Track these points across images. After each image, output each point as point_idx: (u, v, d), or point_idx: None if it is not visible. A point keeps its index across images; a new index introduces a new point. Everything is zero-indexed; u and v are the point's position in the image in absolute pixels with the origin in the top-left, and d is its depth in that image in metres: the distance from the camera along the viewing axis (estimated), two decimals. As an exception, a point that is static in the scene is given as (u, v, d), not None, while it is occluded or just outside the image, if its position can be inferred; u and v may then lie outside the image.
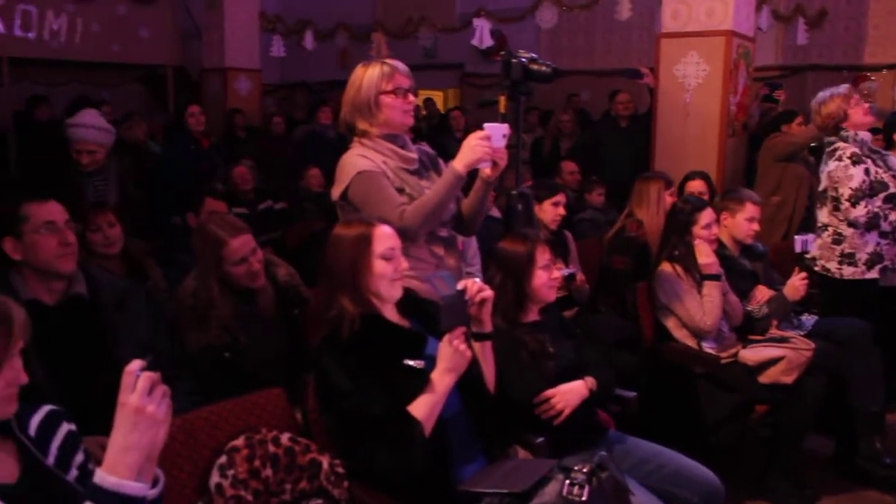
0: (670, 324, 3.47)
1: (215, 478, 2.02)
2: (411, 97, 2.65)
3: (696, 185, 4.90)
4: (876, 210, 3.97)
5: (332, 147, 7.04)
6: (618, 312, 3.72)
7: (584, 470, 1.99)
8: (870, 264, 4.05)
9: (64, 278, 2.34)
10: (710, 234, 3.49)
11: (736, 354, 3.42)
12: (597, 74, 9.29)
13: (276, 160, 7.17)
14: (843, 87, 4.25)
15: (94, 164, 4.20)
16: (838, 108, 4.14)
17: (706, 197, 5.52)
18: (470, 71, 10.82)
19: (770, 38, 8.19)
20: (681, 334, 3.45)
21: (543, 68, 2.82)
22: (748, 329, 3.59)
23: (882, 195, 3.99)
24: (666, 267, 3.47)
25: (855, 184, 3.96)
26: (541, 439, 2.43)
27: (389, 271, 2.18)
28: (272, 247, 4.16)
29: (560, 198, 3.94)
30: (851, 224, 4.02)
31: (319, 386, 2.17)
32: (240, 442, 2.09)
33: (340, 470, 2.12)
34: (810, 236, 3.82)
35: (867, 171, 3.99)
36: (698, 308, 3.40)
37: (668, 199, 4.10)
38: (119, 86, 11.08)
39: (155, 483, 1.48)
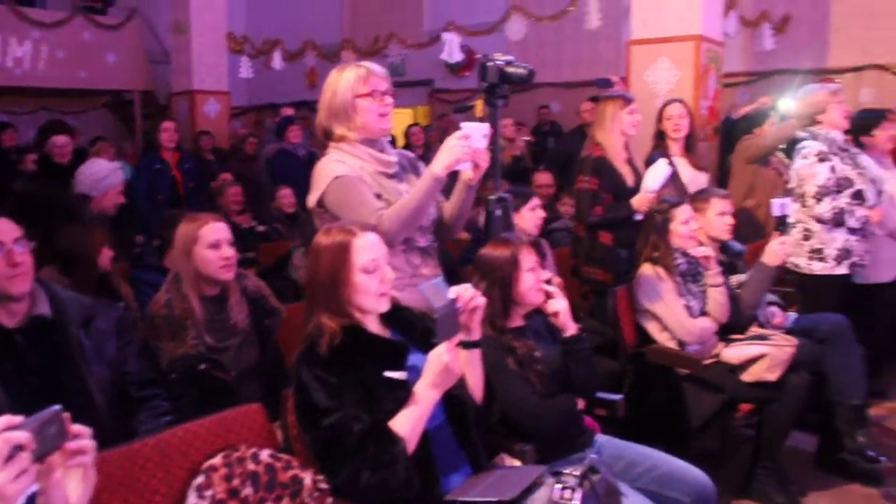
0: (651, 327, 3.44)
1: (192, 499, 1.95)
2: (389, 99, 2.61)
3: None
4: (842, 206, 4.07)
5: (303, 165, 7.02)
6: (597, 319, 3.70)
7: (576, 473, 1.95)
8: (839, 259, 4.12)
9: (18, 300, 2.25)
10: (689, 231, 3.47)
11: (718, 354, 3.40)
12: (566, 86, 9.35)
13: (250, 181, 7.11)
14: (834, 85, 4.38)
15: None
16: (822, 101, 4.24)
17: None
18: (440, 87, 10.83)
19: (738, 43, 8.27)
20: (663, 337, 3.42)
21: (520, 70, 2.79)
22: (730, 329, 3.57)
23: (848, 192, 4.08)
24: (646, 269, 3.44)
25: (820, 181, 4.08)
26: (528, 446, 2.38)
27: (373, 285, 2.08)
28: (248, 267, 4.12)
29: (536, 202, 3.91)
30: (819, 220, 4.08)
31: (298, 401, 2.09)
32: (217, 461, 2.01)
33: (324, 486, 2.05)
34: (788, 199, 3.82)
35: (832, 169, 4.09)
36: (682, 311, 3.38)
37: (627, 119, 4.05)
38: (86, 112, 10.98)
39: None
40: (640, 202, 3.75)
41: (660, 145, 4.49)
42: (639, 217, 3.77)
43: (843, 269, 4.12)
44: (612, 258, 3.91)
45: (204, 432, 2.09)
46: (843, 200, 4.07)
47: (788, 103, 5.11)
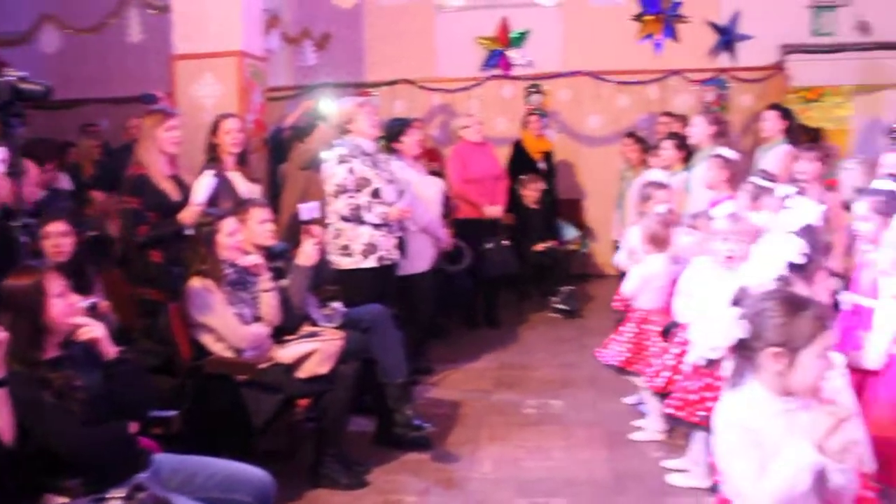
0: (206, 339, 3.49)
1: None
2: None
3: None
4: (359, 203, 4.52)
5: None
6: (153, 338, 3.64)
7: (120, 495, 1.93)
8: (365, 254, 4.57)
9: None
10: (235, 242, 3.59)
11: (273, 356, 3.57)
12: (115, 102, 8.93)
13: None
14: (362, 98, 4.84)
15: None
16: (350, 112, 4.70)
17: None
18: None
19: (283, 59, 8.65)
20: (218, 348, 3.50)
21: (35, 87, 2.66)
22: (284, 330, 3.76)
23: (367, 190, 4.56)
24: (195, 282, 3.47)
25: (337, 180, 4.55)
26: (75, 481, 2.29)
27: None
28: None
29: (60, 227, 3.67)
30: (344, 218, 4.50)
31: None
32: None
33: None
34: (315, 204, 4.14)
35: (351, 170, 4.55)
36: (233, 319, 3.48)
37: (165, 135, 4.04)
38: None
39: None
40: (188, 216, 3.78)
41: (214, 159, 4.55)
42: (189, 232, 3.79)
43: (370, 263, 4.57)
44: (164, 276, 3.87)
45: None
46: (362, 198, 4.53)
47: (330, 107, 5.53)
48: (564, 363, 5.57)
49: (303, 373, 3.48)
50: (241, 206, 3.88)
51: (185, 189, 4.01)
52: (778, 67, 8.30)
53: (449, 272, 5.96)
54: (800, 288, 2.55)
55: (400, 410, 3.93)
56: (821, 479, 1.81)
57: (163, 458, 2.64)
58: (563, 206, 8.10)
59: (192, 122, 5.53)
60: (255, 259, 3.63)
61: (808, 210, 3.25)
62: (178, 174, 4.12)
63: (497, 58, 8.92)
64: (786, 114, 5.84)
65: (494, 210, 6.34)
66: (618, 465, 3.88)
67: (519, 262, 6.59)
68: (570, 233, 7.96)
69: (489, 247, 6.23)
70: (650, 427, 4.17)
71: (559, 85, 8.83)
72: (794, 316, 1.92)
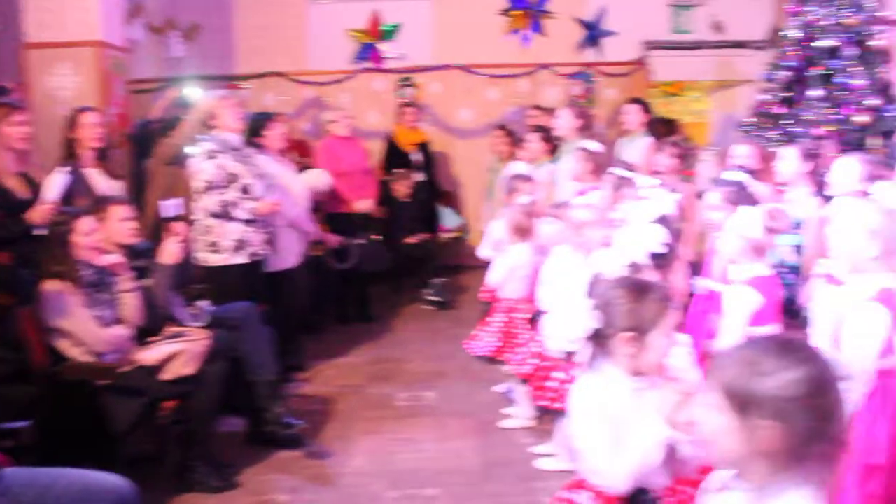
0: (63, 345, 3.35)
1: None
2: None
3: None
4: (228, 199, 4.44)
5: None
6: (5, 346, 3.46)
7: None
8: (236, 250, 4.50)
9: None
10: (93, 242, 3.45)
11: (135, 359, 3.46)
12: (-37, 93, 8.38)
13: None
14: (224, 91, 4.75)
15: None
16: (213, 107, 4.61)
17: None
18: None
19: (149, 50, 8.33)
20: (76, 353, 3.36)
21: None
22: (148, 332, 3.65)
23: (236, 186, 4.49)
24: (51, 285, 3.32)
25: (206, 176, 4.46)
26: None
27: None
28: None
29: None
30: (213, 214, 4.41)
31: None
32: None
33: None
34: (178, 200, 4.05)
35: (220, 166, 4.46)
36: (92, 322, 3.35)
37: (11, 130, 3.88)
38: None
39: None
40: (38, 215, 3.61)
41: (71, 155, 4.35)
42: (42, 231, 3.62)
43: (241, 259, 4.51)
44: (12, 279, 3.67)
45: None
46: (231, 194, 4.46)
47: (196, 94, 5.38)
48: (437, 355, 5.61)
49: (168, 374, 3.38)
50: (99, 204, 3.74)
51: (35, 187, 3.83)
52: (640, 63, 8.63)
53: (337, 269, 5.94)
54: (649, 274, 2.67)
55: (270, 409, 3.88)
56: (670, 451, 1.92)
57: (14, 472, 2.51)
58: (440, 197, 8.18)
59: (48, 115, 5.28)
60: (114, 258, 3.50)
61: (664, 200, 3.42)
62: (29, 171, 3.92)
63: (369, 51, 8.87)
64: (646, 107, 6.11)
65: (364, 204, 6.35)
66: (488, 454, 3.96)
67: (391, 256, 6.61)
68: (453, 220, 8.03)
69: (361, 242, 6.23)
70: (519, 414, 4.27)
71: (430, 78, 8.86)
72: (640, 301, 2.02)
